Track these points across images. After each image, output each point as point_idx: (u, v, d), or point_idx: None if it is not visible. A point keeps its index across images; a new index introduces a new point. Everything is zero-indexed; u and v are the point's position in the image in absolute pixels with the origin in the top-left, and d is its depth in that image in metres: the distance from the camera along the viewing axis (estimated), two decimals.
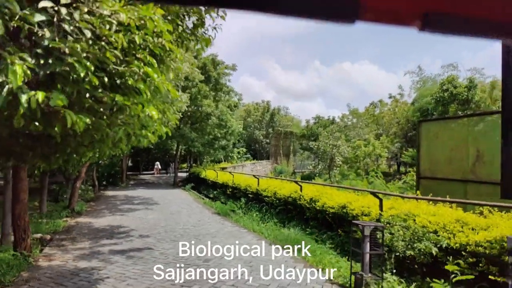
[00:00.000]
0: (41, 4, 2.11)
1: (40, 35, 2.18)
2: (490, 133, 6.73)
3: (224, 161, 35.65)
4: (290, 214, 9.54)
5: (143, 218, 10.97)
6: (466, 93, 22.40)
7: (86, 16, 2.31)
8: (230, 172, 17.79)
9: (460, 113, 22.91)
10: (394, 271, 4.97)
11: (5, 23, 2.04)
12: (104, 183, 22.17)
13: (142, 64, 2.72)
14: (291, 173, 38.06)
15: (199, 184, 21.67)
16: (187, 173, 28.70)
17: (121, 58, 2.56)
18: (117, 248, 7.10)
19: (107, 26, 2.42)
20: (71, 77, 2.27)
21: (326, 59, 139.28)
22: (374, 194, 6.56)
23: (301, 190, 9.28)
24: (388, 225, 5.43)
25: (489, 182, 6.45)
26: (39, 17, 2.12)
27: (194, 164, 31.88)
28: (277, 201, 10.42)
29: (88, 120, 2.48)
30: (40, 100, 2.12)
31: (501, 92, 0.73)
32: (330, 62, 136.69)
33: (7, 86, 2.07)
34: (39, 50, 2.19)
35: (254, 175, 14.83)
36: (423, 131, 8.64)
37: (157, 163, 38.53)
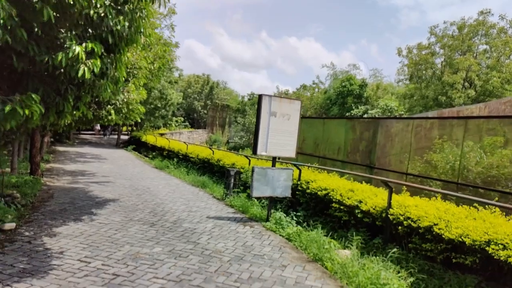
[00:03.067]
0: None
1: None
2: (313, 127, 12.22)
3: (164, 127, 39.29)
4: (206, 169, 14.52)
5: (99, 167, 15.15)
6: (358, 90, 29.04)
7: None
8: (167, 139, 22.22)
9: (352, 105, 29.62)
10: (243, 194, 10.18)
11: None
12: (52, 139, 24.97)
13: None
14: (225, 142, 43.31)
15: (139, 146, 25.67)
16: (129, 136, 32.10)
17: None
18: (91, 180, 11.45)
19: None
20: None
21: (274, 32, 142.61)
22: (246, 156, 11.73)
23: (213, 154, 14.27)
24: (243, 169, 10.58)
25: (314, 155, 11.98)
26: None
27: (134, 128, 35.15)
28: (198, 160, 15.30)
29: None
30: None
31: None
32: (277, 35, 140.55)
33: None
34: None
35: (184, 142, 19.54)
36: (303, 124, 13.87)
37: (98, 124, 40.82)
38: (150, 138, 24.74)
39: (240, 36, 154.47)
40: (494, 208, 4.78)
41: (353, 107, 29.12)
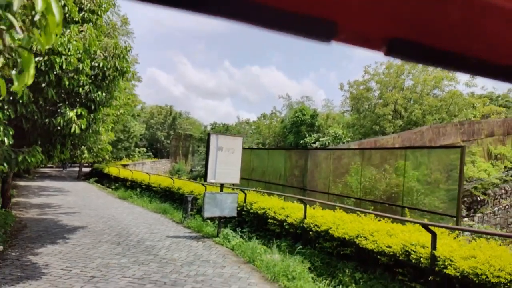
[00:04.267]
0: None
1: None
2: (260, 156, 14.15)
3: (126, 157, 39.73)
4: (167, 197, 15.86)
5: (64, 199, 15.97)
6: (310, 120, 31.89)
7: None
8: (130, 170, 23.22)
9: (306, 134, 32.38)
10: (198, 216, 11.70)
11: None
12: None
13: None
14: (188, 171, 44.31)
15: (102, 178, 26.28)
16: (90, 168, 32.37)
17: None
18: (58, 212, 12.44)
19: None
20: None
21: (236, 61, 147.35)
22: (203, 184, 13.34)
23: (174, 183, 15.70)
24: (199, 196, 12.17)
25: (261, 180, 13.81)
26: None
27: (96, 160, 35.37)
28: (160, 189, 16.61)
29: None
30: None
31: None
32: (240, 64, 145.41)
33: None
34: None
35: (147, 172, 20.74)
36: (253, 154, 15.83)
37: None
38: (113, 169, 25.52)
39: (203, 66, 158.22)
40: (369, 214, 6.79)
41: (306, 135, 31.79)
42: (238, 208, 9.75)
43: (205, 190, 12.78)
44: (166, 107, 56.05)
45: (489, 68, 0.42)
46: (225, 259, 7.21)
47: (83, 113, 5.07)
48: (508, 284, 3.71)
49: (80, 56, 4.37)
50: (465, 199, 15.52)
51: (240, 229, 9.53)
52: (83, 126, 4.96)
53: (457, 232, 5.76)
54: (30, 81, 1.22)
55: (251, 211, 9.69)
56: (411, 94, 22.00)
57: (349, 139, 27.39)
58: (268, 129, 41.66)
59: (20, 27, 1.33)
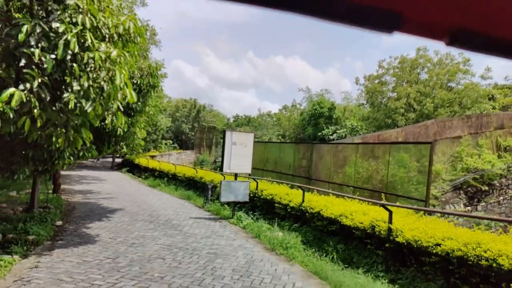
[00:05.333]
0: None
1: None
2: (272, 149, 15.63)
3: (154, 149, 42.17)
4: (191, 185, 17.68)
5: (101, 187, 18.15)
6: (328, 112, 32.86)
7: None
8: (158, 161, 25.34)
9: (324, 126, 33.40)
10: (217, 202, 13.37)
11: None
12: None
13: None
14: (212, 162, 46.41)
15: (133, 168, 28.67)
16: (122, 159, 35.01)
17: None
18: (98, 197, 14.50)
19: None
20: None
21: (260, 51, 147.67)
22: (222, 174, 15.01)
23: (196, 173, 17.49)
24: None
25: (274, 171, 15.31)
26: None
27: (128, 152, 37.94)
28: (185, 178, 18.47)
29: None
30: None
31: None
32: (264, 55, 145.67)
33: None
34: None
35: (173, 163, 22.70)
36: (254, 146, 17.34)
37: None
38: (142, 160, 27.80)
39: (227, 56, 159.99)
40: (354, 199, 8.15)
41: (324, 128, 32.84)
42: (251, 195, 11.31)
43: (224, 179, 14.45)
44: (190, 100, 58.30)
45: None
46: (237, 235, 8.80)
47: (125, 119, 6.73)
48: (435, 246, 5.04)
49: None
50: (469, 189, 16.35)
51: (252, 212, 11.10)
52: (125, 129, 6.61)
53: (421, 212, 7.05)
54: (122, 122, 2.76)
55: (262, 197, 11.22)
56: (424, 87, 22.61)
57: (365, 131, 28.27)
58: (288, 121, 42.87)
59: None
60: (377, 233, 6.27)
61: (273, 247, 7.52)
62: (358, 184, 10.75)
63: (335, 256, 6.88)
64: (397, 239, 5.74)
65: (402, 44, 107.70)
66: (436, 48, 23.20)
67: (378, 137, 14.71)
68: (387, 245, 5.99)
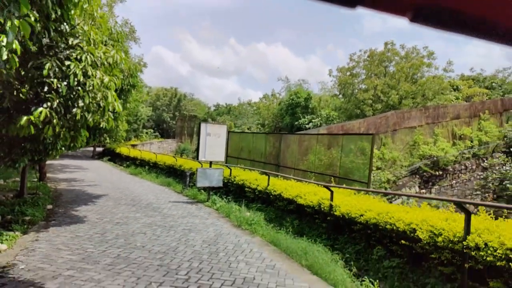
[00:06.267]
0: None
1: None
2: (247, 139, 16.85)
3: (135, 138, 42.61)
4: (171, 173, 18.76)
5: (84, 175, 18.98)
6: (304, 102, 34.27)
7: None
8: (139, 150, 26.15)
9: (300, 115, 34.85)
10: (194, 187, 14.55)
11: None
12: None
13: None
14: (193, 150, 47.26)
15: (114, 157, 29.36)
16: (103, 148, 35.49)
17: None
18: (82, 184, 15.41)
19: None
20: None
21: (242, 38, 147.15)
22: (199, 162, 16.17)
23: (176, 161, 18.56)
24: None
25: (248, 159, 16.56)
26: None
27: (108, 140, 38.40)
28: (165, 166, 19.51)
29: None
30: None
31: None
32: (246, 42, 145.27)
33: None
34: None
35: (154, 152, 23.62)
36: (230, 136, 18.57)
37: None
38: (123, 149, 28.53)
39: (209, 43, 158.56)
40: (310, 182, 9.50)
41: (301, 117, 34.28)
42: (225, 180, 12.54)
43: (201, 167, 15.61)
44: (171, 89, 58.56)
45: None
46: (210, 215, 10.05)
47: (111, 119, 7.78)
48: (359, 216, 6.42)
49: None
50: (424, 173, 18.14)
51: (226, 196, 12.35)
52: (111, 124, 7.66)
53: (362, 192, 8.47)
54: (112, 125, 3.89)
55: (234, 182, 12.47)
56: (391, 80, 24.22)
57: (338, 120, 29.86)
58: (268, 110, 44.08)
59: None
60: (322, 209, 7.64)
61: (240, 224, 8.81)
62: (319, 169, 12.15)
63: (291, 230, 8.23)
64: (335, 213, 7.11)
65: (383, 33, 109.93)
66: (402, 42, 24.68)
67: (342, 128, 16.13)
68: (328, 218, 7.37)
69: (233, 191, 12.63)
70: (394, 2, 0.40)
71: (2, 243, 6.04)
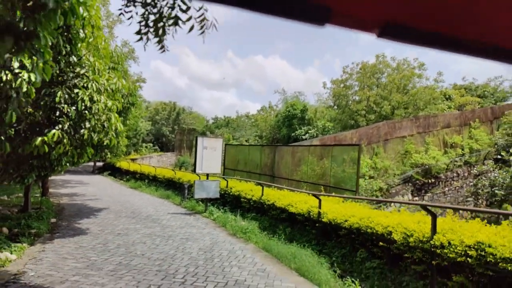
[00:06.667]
0: None
1: None
2: (243, 151, 17.37)
3: (135, 152, 43.07)
4: (170, 186, 19.21)
5: (86, 190, 19.42)
6: (301, 114, 34.94)
7: None
8: (139, 163, 26.63)
9: (297, 127, 35.48)
10: (193, 199, 15.00)
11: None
12: None
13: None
14: (192, 163, 47.50)
15: (114, 172, 29.78)
16: (103, 163, 35.94)
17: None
18: (84, 199, 15.84)
19: None
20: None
21: (240, 51, 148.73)
22: (197, 175, 16.65)
23: (175, 174, 19.03)
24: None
25: (244, 170, 17.05)
26: None
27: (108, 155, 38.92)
28: (165, 179, 19.96)
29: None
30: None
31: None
32: (243, 54, 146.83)
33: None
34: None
35: (153, 166, 24.09)
36: (227, 149, 19.09)
37: None
38: (123, 164, 28.99)
39: (207, 56, 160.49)
40: (302, 191, 9.98)
41: (298, 128, 34.89)
42: (221, 192, 13.00)
43: (199, 179, 16.08)
44: (170, 103, 59.36)
45: (482, 49, 0.42)
46: (207, 225, 10.49)
47: (113, 138, 8.31)
48: (344, 221, 6.89)
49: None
50: (417, 181, 18.59)
51: (223, 207, 12.80)
52: (114, 142, 8.20)
53: (349, 200, 8.93)
54: (115, 143, 4.42)
55: (231, 193, 12.93)
56: (383, 91, 24.91)
57: (333, 131, 30.45)
58: (265, 122, 44.75)
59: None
60: (311, 216, 8.11)
61: (235, 233, 9.26)
62: (312, 179, 12.63)
63: (283, 237, 8.67)
64: (323, 220, 7.58)
65: (379, 43, 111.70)
66: (393, 55, 25.41)
67: (335, 138, 16.65)
68: (317, 224, 7.84)
69: (229, 201, 13.08)
70: (361, 20, 0.42)
71: (11, 253, 6.49)
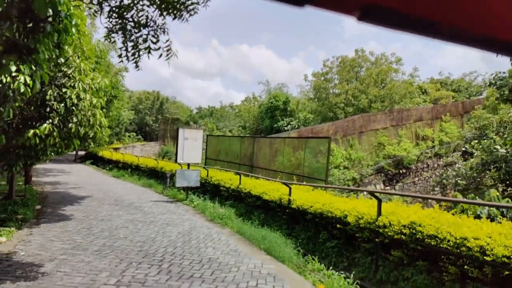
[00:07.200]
0: None
1: None
2: (224, 142, 17.96)
3: (118, 141, 42.91)
4: (153, 175, 19.67)
5: (68, 178, 19.66)
6: (283, 105, 35.64)
7: None
8: (121, 153, 26.86)
9: (279, 118, 36.21)
10: (174, 188, 15.56)
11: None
12: None
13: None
14: (176, 153, 47.64)
15: (96, 161, 29.90)
16: (85, 152, 35.85)
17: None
18: (67, 187, 16.16)
19: None
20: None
21: (225, 40, 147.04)
22: (179, 164, 17.18)
23: (157, 163, 19.49)
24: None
25: (225, 160, 17.67)
26: None
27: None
28: (147, 169, 20.39)
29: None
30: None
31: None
32: (228, 43, 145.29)
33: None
34: None
35: (136, 155, 24.42)
36: (209, 139, 19.63)
37: None
38: (106, 153, 29.14)
39: (191, 45, 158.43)
40: (277, 180, 10.71)
41: (280, 119, 35.63)
42: (202, 181, 13.61)
43: (181, 168, 16.63)
44: (153, 92, 59.00)
45: (462, 36, 0.41)
46: (187, 212, 11.12)
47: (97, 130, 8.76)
48: (310, 207, 7.64)
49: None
50: (389, 172, 19.68)
51: (203, 195, 13.43)
52: (98, 135, 8.65)
53: (319, 188, 9.71)
54: (100, 136, 4.96)
55: (211, 182, 13.57)
56: (361, 85, 25.83)
57: (314, 122, 31.34)
58: (248, 113, 45.32)
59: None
60: (282, 203, 8.85)
61: (213, 219, 9.93)
62: (288, 169, 13.39)
63: (257, 222, 9.40)
64: (292, 206, 8.33)
65: (362, 36, 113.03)
66: (371, 50, 26.30)
67: (312, 131, 17.42)
68: (287, 210, 8.59)
69: (209, 190, 13.72)
70: (341, 1, 0.41)
71: (1, 236, 6.97)
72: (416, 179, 20.44)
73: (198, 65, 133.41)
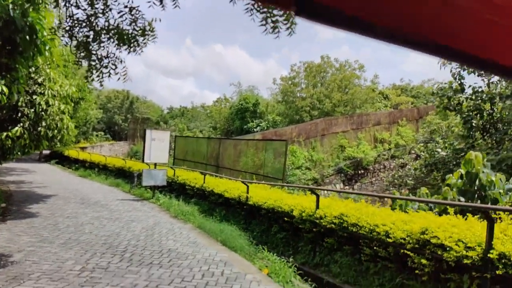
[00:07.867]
0: None
1: None
2: (192, 143, 18.53)
3: (85, 140, 42.05)
4: (120, 174, 19.86)
5: (33, 178, 19.45)
6: (253, 107, 36.56)
7: None
8: (88, 152, 26.67)
9: (249, 119, 37.09)
10: (141, 187, 15.95)
11: None
12: None
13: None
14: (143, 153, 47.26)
15: (62, 160, 29.42)
16: (50, 151, 35.00)
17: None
18: (32, 186, 16.12)
19: None
20: None
21: (198, 39, 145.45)
22: (147, 164, 17.56)
23: (125, 163, 19.71)
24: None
25: (192, 160, 18.22)
26: None
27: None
28: (115, 168, 20.54)
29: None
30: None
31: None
32: (202, 43, 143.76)
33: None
34: None
35: (104, 155, 24.41)
36: (177, 140, 20.13)
37: None
38: (72, 152, 28.75)
39: (164, 42, 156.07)
40: (240, 179, 11.47)
41: (250, 121, 36.50)
42: (169, 180, 14.14)
43: (149, 168, 17.05)
44: (123, 91, 58.07)
45: (396, 36, 0.41)
46: (152, 209, 11.65)
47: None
48: (264, 203, 8.45)
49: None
50: (348, 172, 21.00)
51: (169, 193, 13.96)
52: (66, 137, 9.04)
53: (276, 186, 10.58)
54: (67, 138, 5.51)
55: (177, 181, 14.13)
56: (326, 90, 27.19)
57: (281, 125, 32.45)
58: (219, 114, 45.90)
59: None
60: (241, 200, 9.63)
61: (177, 215, 10.54)
62: (251, 170, 14.21)
63: (218, 218, 10.12)
64: (249, 203, 9.13)
65: (334, 41, 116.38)
66: (336, 56, 27.72)
67: (276, 133, 18.35)
68: (245, 207, 9.38)
69: (176, 189, 14.28)
70: None
71: None
72: (374, 179, 21.90)
73: (171, 64, 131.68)
